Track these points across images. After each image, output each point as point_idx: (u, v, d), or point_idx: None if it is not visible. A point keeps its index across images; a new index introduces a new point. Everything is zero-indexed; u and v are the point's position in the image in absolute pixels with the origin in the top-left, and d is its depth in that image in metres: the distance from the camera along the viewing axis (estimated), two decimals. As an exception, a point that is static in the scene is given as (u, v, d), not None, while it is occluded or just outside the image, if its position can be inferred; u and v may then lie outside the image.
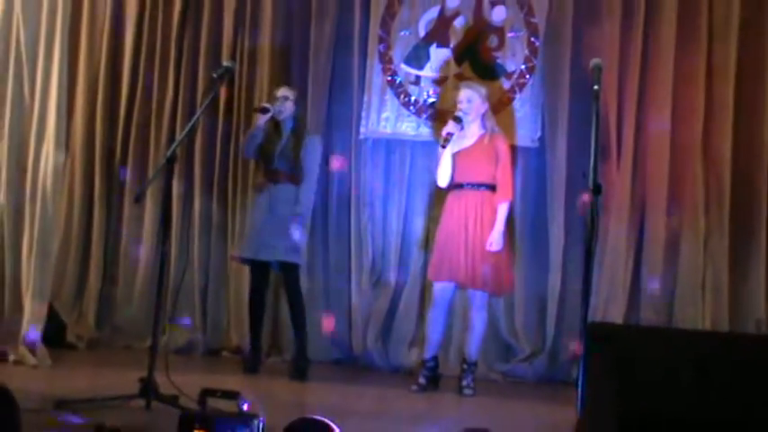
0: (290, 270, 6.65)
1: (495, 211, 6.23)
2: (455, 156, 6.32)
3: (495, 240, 6.19)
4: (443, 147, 6.25)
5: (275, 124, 6.70)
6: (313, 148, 6.71)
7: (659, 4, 6.99)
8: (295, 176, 6.61)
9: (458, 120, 6.27)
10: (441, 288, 6.33)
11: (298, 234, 6.55)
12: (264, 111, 6.63)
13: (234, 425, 3.58)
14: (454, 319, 6.95)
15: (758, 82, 6.80)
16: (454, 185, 6.36)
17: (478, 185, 6.29)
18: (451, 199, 6.37)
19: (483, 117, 6.39)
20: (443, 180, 6.39)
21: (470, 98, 6.35)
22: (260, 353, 6.79)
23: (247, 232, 6.75)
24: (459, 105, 6.37)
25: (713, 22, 6.90)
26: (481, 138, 6.35)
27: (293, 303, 6.67)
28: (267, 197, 6.62)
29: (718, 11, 6.88)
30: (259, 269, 6.72)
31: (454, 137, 6.25)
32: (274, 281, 7.05)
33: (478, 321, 6.32)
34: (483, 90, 6.51)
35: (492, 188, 6.28)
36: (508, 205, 6.29)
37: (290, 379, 6.48)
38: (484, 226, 6.21)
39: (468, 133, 6.35)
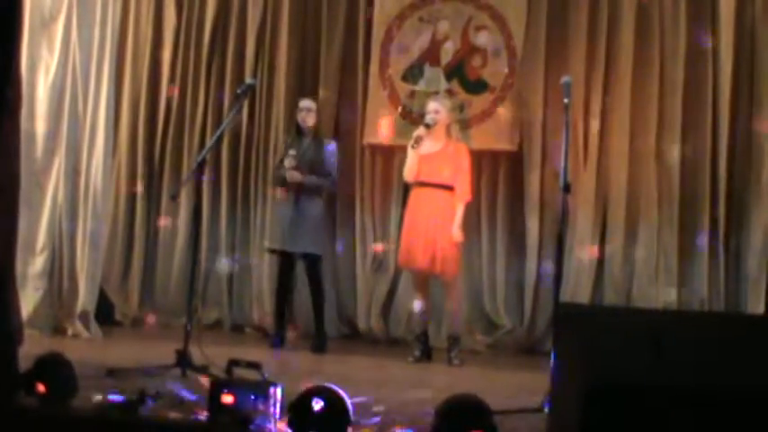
0: (313, 260, 6.62)
1: (452, 209, 6.16)
2: (423, 158, 6.24)
3: (456, 233, 6.14)
4: (413, 147, 6.19)
5: (298, 131, 6.67)
6: (333, 152, 6.69)
7: (619, 30, 7.00)
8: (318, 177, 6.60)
9: (428, 126, 6.23)
10: (418, 272, 6.31)
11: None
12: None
13: (256, 391, 3.59)
14: (442, 299, 6.95)
15: (702, 99, 6.81)
16: (420, 183, 6.28)
17: (440, 186, 6.22)
18: (414, 195, 6.31)
19: (448, 127, 6.35)
20: (410, 176, 6.30)
21: (438, 109, 6.29)
22: (285, 330, 6.74)
23: (275, 227, 6.69)
24: (427, 115, 6.31)
25: (664, 46, 6.92)
26: (446, 145, 6.28)
27: (315, 288, 6.65)
28: (291, 197, 6.56)
29: (669, 38, 6.90)
30: (286, 259, 6.68)
31: (423, 139, 6.20)
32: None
33: (451, 300, 6.31)
34: (448, 103, 6.51)
35: (450, 189, 6.21)
36: (464, 206, 6.23)
37: (312, 352, 6.47)
38: (444, 221, 6.14)
39: (435, 140, 6.29)
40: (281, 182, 6.64)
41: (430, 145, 6.26)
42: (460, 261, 6.44)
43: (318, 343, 6.55)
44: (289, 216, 6.54)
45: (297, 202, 6.54)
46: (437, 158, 6.25)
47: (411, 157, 6.26)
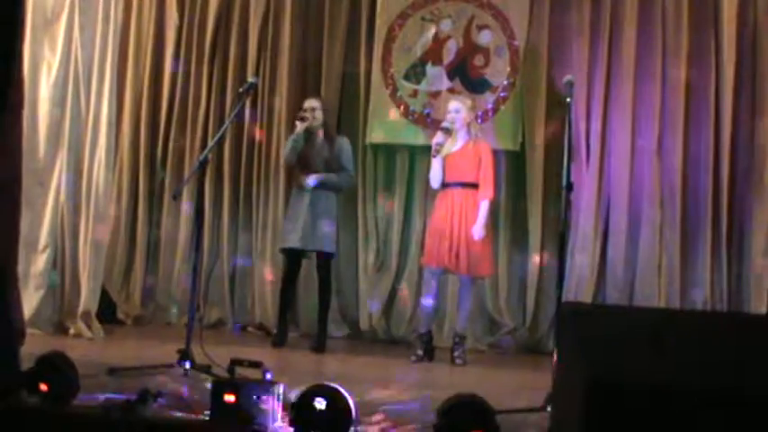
0: (326, 259, 6.59)
1: (477, 207, 6.17)
2: (444, 159, 6.27)
3: (477, 231, 6.14)
4: (434, 156, 6.20)
5: (309, 131, 6.63)
6: (345, 147, 6.64)
7: (621, 29, 7.00)
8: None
9: (445, 130, 6.22)
10: (429, 272, 6.30)
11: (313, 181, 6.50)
12: (303, 119, 6.55)
13: (258, 390, 3.58)
14: (446, 299, 6.96)
15: (705, 97, 6.81)
16: (443, 184, 6.29)
17: (464, 185, 6.22)
18: (441, 196, 6.32)
19: (469, 125, 6.35)
20: (435, 183, 6.32)
21: (458, 109, 6.29)
22: (287, 330, 6.72)
23: (290, 226, 6.58)
24: (447, 115, 6.31)
25: (666, 46, 6.92)
26: (467, 143, 6.30)
27: (324, 287, 6.60)
28: (308, 195, 6.52)
29: (671, 36, 6.90)
30: (294, 258, 6.62)
31: (444, 145, 6.22)
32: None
33: (465, 300, 6.30)
34: (469, 102, 6.48)
35: (475, 187, 6.22)
36: (489, 202, 6.24)
37: (312, 351, 6.44)
38: (468, 219, 6.15)
39: (456, 139, 6.32)
40: (290, 154, 6.55)
41: (450, 144, 6.25)
42: (492, 260, 6.46)
43: (319, 343, 6.52)
44: (303, 216, 6.49)
45: (312, 200, 6.51)
46: (458, 158, 6.25)
47: (433, 164, 6.25)
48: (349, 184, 6.75)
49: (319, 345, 6.50)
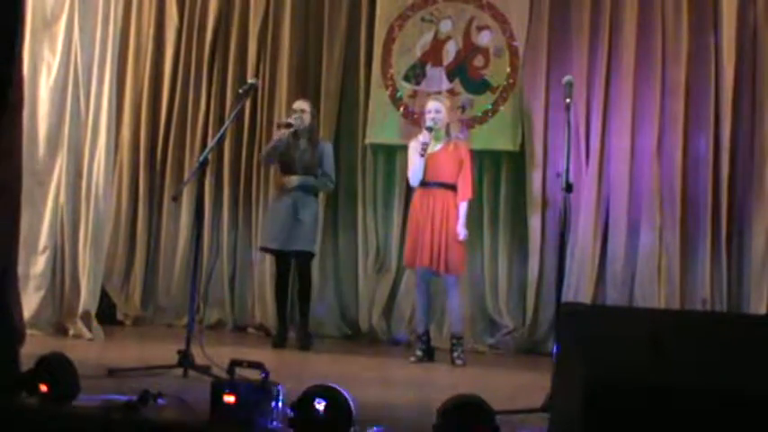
0: (305, 258, 6.62)
1: (456, 207, 6.19)
2: (425, 158, 6.25)
3: (462, 231, 6.16)
4: (422, 155, 6.19)
5: (294, 133, 6.66)
6: (327, 153, 6.68)
7: (621, 30, 7.00)
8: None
9: (430, 129, 6.22)
10: (420, 271, 6.31)
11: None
12: (288, 126, 6.60)
13: (257, 391, 3.59)
14: (445, 299, 6.95)
15: (704, 98, 6.81)
16: (422, 183, 6.28)
17: (443, 185, 6.23)
18: (419, 195, 6.31)
19: (448, 126, 6.35)
20: (415, 180, 6.30)
21: (438, 109, 6.28)
22: (286, 330, 6.75)
23: (271, 227, 6.67)
24: (428, 115, 6.29)
25: (666, 46, 6.92)
26: (447, 144, 6.30)
27: (303, 286, 6.63)
28: (288, 197, 6.58)
29: (671, 37, 6.90)
30: (282, 258, 6.67)
31: (429, 144, 6.21)
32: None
33: (454, 300, 6.30)
34: (448, 102, 6.49)
35: (453, 188, 6.24)
36: (467, 203, 6.26)
37: (299, 350, 6.44)
38: (450, 219, 6.16)
39: (435, 139, 6.26)
40: (269, 154, 6.68)
41: (432, 144, 6.25)
42: (466, 259, 6.45)
43: (304, 341, 6.53)
44: (284, 217, 6.54)
45: (293, 203, 6.54)
46: (438, 158, 6.25)
47: (417, 163, 6.23)
48: (327, 188, 6.83)
49: (304, 343, 6.52)
